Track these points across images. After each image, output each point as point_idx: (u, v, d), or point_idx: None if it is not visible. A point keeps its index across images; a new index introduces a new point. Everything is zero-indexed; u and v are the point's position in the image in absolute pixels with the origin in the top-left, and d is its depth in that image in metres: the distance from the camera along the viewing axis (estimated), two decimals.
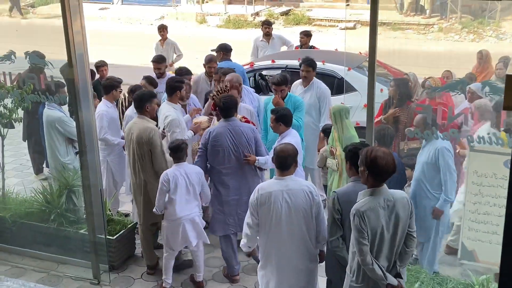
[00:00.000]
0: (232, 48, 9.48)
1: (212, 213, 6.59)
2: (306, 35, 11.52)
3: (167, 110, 7.00)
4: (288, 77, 7.57)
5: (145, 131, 6.30)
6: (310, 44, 11.51)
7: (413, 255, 5.90)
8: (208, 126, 6.99)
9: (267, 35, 11.87)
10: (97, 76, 9.29)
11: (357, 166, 4.58)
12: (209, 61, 8.78)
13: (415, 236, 4.46)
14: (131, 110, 7.33)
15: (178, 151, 6.12)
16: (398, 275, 4.46)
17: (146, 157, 6.36)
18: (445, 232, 6.11)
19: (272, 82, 7.54)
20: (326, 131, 6.99)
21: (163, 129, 6.90)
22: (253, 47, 12.15)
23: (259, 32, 13.14)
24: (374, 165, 4.21)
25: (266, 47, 11.76)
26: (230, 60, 9.20)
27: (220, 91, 6.86)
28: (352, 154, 4.85)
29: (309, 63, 8.05)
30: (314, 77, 8.03)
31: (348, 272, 4.55)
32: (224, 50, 9.29)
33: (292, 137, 6.29)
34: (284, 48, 12.12)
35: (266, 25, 12.12)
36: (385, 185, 4.36)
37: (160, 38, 12.24)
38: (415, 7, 20.76)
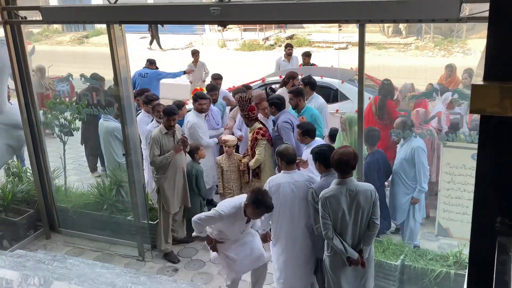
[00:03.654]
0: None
1: None
2: (307, 56, 11.40)
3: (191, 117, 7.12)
4: (303, 90, 7.25)
5: None
6: (311, 62, 11.44)
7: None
8: (235, 145, 6.80)
9: (289, 55, 11.72)
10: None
11: (324, 164, 4.75)
12: (211, 90, 8.18)
13: (377, 222, 4.47)
14: (150, 125, 7.15)
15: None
16: (360, 252, 4.51)
17: None
18: (422, 215, 6.04)
19: (289, 91, 7.18)
20: (332, 136, 6.70)
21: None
22: (276, 65, 11.99)
23: (271, 53, 13.11)
24: (338, 162, 4.38)
25: (287, 65, 11.59)
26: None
27: (244, 100, 6.51)
28: (318, 155, 4.87)
29: (306, 82, 7.73)
30: (314, 93, 7.68)
31: (325, 246, 4.65)
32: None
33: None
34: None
35: (290, 47, 12.00)
36: (352, 178, 4.45)
37: (193, 60, 12.27)
38: (395, 30, 20.65)
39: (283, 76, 9.27)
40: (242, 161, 6.65)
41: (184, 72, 11.58)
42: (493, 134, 1.77)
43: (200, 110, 7.18)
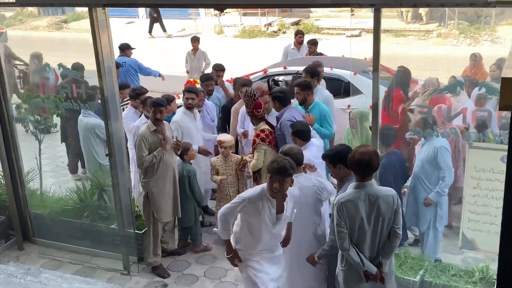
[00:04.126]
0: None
1: None
2: (312, 44, 11.37)
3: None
4: (311, 83, 7.23)
5: None
6: (318, 51, 11.42)
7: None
8: (232, 146, 6.82)
9: (300, 43, 11.72)
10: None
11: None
12: (206, 80, 8.31)
13: (399, 232, 4.39)
14: (138, 121, 7.14)
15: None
16: (379, 265, 4.44)
17: None
18: (444, 223, 6.03)
19: (296, 84, 7.11)
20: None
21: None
22: (283, 54, 12.00)
23: (274, 40, 13.10)
24: (358, 163, 4.29)
25: (296, 55, 11.60)
26: None
27: (249, 96, 6.47)
28: (338, 156, 4.82)
29: (309, 71, 7.75)
30: (318, 85, 7.69)
31: (339, 258, 4.60)
32: None
33: (310, 151, 5.86)
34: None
35: (300, 35, 11.98)
36: (372, 181, 4.37)
37: (192, 48, 12.29)
38: (414, 15, 20.68)
39: (287, 67, 9.28)
40: (244, 158, 6.70)
41: (159, 75, 11.27)
42: None
43: (187, 107, 7.13)
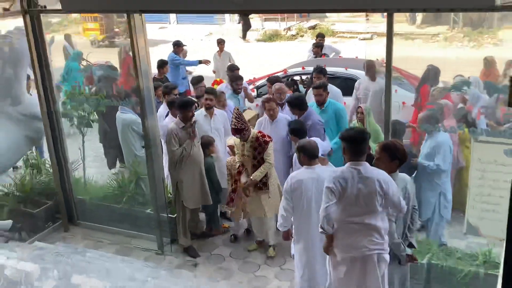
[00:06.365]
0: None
1: None
2: (316, 46, 11.17)
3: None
4: (326, 82, 7.16)
5: None
6: (322, 52, 11.12)
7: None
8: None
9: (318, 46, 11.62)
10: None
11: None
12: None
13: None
14: (168, 119, 7.06)
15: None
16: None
17: None
18: (449, 212, 5.96)
19: (316, 86, 6.92)
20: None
21: None
22: (308, 55, 11.89)
23: (293, 44, 13.01)
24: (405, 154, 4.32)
25: (319, 55, 11.53)
26: None
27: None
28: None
29: (319, 71, 7.79)
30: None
31: None
32: None
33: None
34: (332, 56, 11.76)
35: (320, 38, 11.87)
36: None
37: (218, 49, 12.27)
38: (423, 19, 20.37)
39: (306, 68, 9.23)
40: (240, 184, 6.16)
41: (200, 62, 11.46)
42: None
43: (206, 107, 6.93)
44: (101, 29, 20.99)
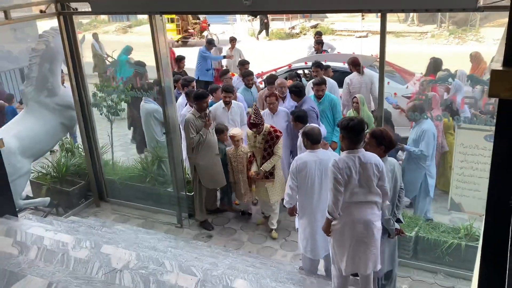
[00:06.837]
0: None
1: None
2: (317, 43, 11.00)
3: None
4: (325, 78, 7.12)
5: None
6: (323, 49, 10.99)
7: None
8: (242, 138, 6.37)
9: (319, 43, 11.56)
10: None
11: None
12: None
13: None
14: (185, 110, 6.97)
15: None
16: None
17: None
18: (432, 189, 5.94)
19: (317, 82, 6.84)
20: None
21: None
22: (308, 52, 11.83)
23: (297, 41, 12.91)
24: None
25: (319, 51, 11.41)
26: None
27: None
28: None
29: (317, 65, 7.75)
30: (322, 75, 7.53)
31: None
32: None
33: None
34: (329, 52, 11.58)
35: (318, 35, 11.70)
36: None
37: (230, 46, 12.23)
38: (409, 18, 20.13)
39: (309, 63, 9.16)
40: (250, 172, 6.19)
41: (224, 57, 11.78)
42: (510, 117, 1.70)
43: (224, 102, 6.88)
44: (178, 30, 20.87)
